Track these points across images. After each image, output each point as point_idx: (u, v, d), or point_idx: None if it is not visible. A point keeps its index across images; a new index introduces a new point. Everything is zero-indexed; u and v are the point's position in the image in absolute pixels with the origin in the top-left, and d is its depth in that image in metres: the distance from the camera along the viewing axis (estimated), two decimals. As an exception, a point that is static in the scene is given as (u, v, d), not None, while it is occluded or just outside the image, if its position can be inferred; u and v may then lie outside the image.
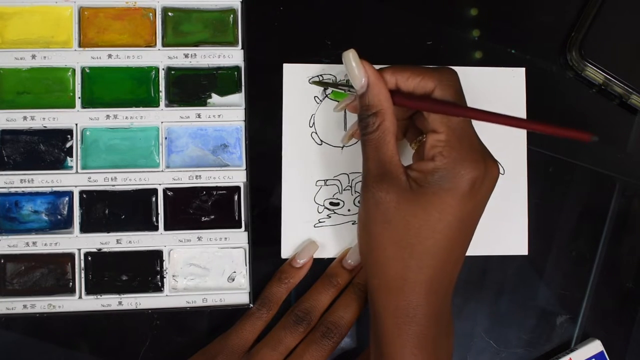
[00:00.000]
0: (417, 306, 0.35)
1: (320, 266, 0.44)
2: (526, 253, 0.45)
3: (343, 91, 0.43)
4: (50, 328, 0.43)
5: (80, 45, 0.43)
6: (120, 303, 0.42)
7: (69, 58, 0.43)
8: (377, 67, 0.45)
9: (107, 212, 0.43)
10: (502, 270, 0.45)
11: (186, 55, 0.43)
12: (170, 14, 0.44)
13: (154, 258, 0.43)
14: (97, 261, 0.42)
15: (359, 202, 0.44)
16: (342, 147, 0.45)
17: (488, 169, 0.35)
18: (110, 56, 0.43)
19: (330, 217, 0.44)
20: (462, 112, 0.34)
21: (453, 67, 0.45)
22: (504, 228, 0.45)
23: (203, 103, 0.44)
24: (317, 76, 0.45)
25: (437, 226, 0.34)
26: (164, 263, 0.43)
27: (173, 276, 0.43)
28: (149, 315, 0.43)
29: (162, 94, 0.43)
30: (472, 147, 0.35)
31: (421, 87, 0.36)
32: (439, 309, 0.36)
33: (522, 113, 0.45)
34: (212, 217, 0.43)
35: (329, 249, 0.44)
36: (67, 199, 0.43)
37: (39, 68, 0.43)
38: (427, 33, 0.46)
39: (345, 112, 0.45)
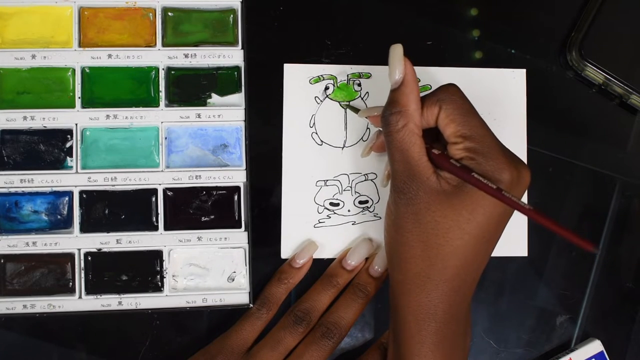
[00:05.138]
0: (438, 304, 0.35)
1: (320, 266, 0.44)
2: (526, 254, 0.45)
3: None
4: (50, 328, 0.43)
5: (80, 45, 0.43)
6: (120, 303, 0.42)
7: (69, 58, 0.43)
8: (378, 67, 0.45)
9: (107, 212, 0.43)
10: (502, 271, 0.45)
11: (186, 55, 0.43)
12: (170, 14, 0.44)
13: (154, 258, 0.43)
14: (97, 261, 0.42)
15: (359, 202, 0.45)
16: (343, 148, 0.45)
17: (520, 172, 0.34)
18: (110, 56, 0.43)
19: (330, 217, 0.44)
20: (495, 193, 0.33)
21: (455, 68, 0.45)
22: (504, 228, 0.45)
23: (203, 103, 0.44)
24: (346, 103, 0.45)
25: (466, 227, 0.34)
26: (164, 263, 0.43)
27: (173, 276, 0.43)
28: (149, 315, 0.43)
29: (162, 94, 0.43)
30: (498, 151, 0.34)
31: (428, 115, 0.36)
32: (458, 308, 0.36)
33: (522, 114, 0.45)
34: (212, 217, 0.43)
35: (328, 249, 0.44)
36: (67, 198, 0.43)
37: (39, 68, 0.43)
38: (427, 33, 0.46)
39: (346, 113, 0.45)
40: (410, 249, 0.35)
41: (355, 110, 0.43)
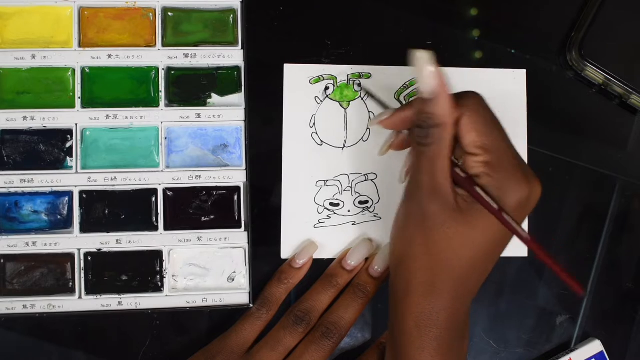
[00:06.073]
0: (440, 311, 0.35)
1: (320, 266, 0.44)
2: (526, 255, 0.45)
3: (381, 106, 0.41)
4: (50, 328, 0.43)
5: (80, 45, 0.43)
6: (120, 303, 0.42)
7: (68, 58, 0.43)
8: (378, 67, 0.45)
9: (107, 212, 0.43)
10: (502, 271, 0.45)
11: (186, 55, 0.43)
12: (170, 14, 0.44)
13: (154, 258, 0.43)
14: (97, 261, 0.42)
15: (359, 202, 0.44)
16: (343, 148, 0.45)
17: (533, 188, 0.34)
18: (110, 56, 0.43)
19: (330, 217, 0.44)
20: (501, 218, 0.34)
21: (455, 69, 0.45)
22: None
23: (203, 103, 0.44)
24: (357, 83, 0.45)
25: (477, 243, 0.34)
26: (164, 263, 0.43)
27: (173, 276, 0.43)
28: (149, 315, 0.43)
29: (162, 94, 0.43)
30: (515, 166, 0.34)
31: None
32: (459, 313, 0.36)
33: (522, 114, 0.45)
34: (212, 217, 0.43)
35: (328, 250, 0.44)
36: (67, 199, 0.43)
37: (39, 68, 0.43)
38: (427, 33, 0.45)
39: (346, 114, 0.45)
40: (417, 260, 0.35)
41: (375, 100, 0.42)
